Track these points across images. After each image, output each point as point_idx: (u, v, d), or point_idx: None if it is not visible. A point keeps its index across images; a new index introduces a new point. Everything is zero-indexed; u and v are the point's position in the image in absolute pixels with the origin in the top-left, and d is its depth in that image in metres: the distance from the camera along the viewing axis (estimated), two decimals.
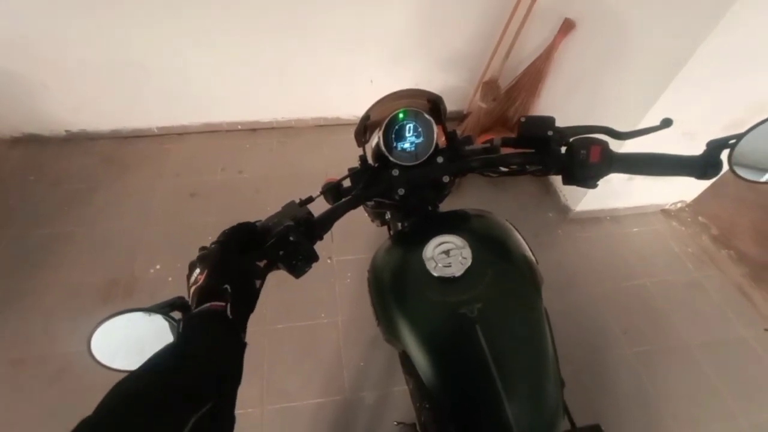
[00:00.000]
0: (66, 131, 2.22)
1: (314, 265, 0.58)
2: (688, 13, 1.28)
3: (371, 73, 2.20)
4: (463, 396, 0.58)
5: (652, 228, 2.01)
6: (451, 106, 0.74)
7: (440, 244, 0.63)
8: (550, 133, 0.64)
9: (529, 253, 0.68)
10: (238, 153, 2.27)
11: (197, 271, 0.49)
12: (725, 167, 0.59)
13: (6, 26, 1.76)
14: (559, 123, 0.66)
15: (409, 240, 0.73)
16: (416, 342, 0.60)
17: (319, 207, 0.66)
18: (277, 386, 1.41)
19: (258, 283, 0.51)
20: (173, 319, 0.48)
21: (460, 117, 2.35)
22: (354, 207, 0.66)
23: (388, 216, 0.97)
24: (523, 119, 0.66)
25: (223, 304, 0.44)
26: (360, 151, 0.76)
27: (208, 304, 0.44)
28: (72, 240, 1.80)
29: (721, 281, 1.80)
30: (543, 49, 1.92)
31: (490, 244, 0.67)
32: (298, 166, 2.21)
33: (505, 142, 0.71)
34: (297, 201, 0.64)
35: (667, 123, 0.64)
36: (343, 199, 0.66)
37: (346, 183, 0.73)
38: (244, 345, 0.45)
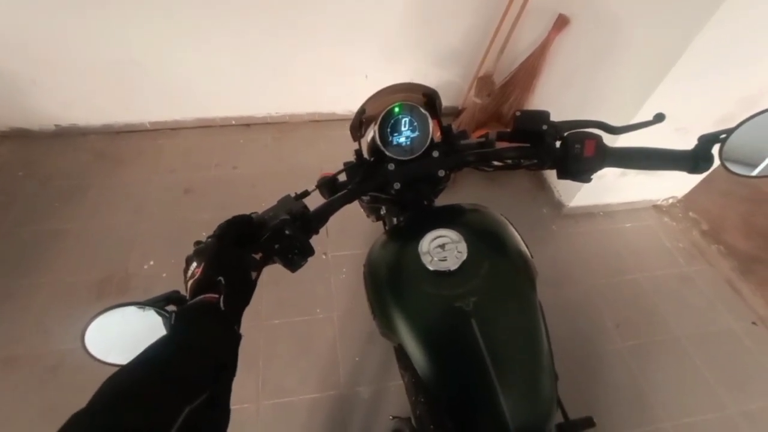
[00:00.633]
0: (56, 126, 2.19)
1: (309, 260, 0.58)
2: (680, 8, 1.29)
3: (366, 68, 2.19)
4: (459, 389, 0.58)
5: (644, 223, 2.03)
6: (445, 101, 0.75)
7: (436, 239, 0.63)
8: (544, 127, 0.65)
9: (523, 247, 0.68)
10: (232, 148, 2.25)
11: (194, 264, 0.49)
12: (717, 162, 0.60)
13: None
14: (554, 118, 0.67)
15: (404, 234, 0.74)
16: (412, 336, 0.60)
17: (315, 202, 0.66)
18: (272, 381, 1.41)
19: (254, 275, 0.51)
20: (168, 313, 0.48)
21: (455, 113, 2.35)
22: (349, 201, 0.66)
23: (383, 211, 0.97)
24: (518, 113, 0.66)
25: (216, 296, 0.44)
26: (355, 146, 0.76)
27: (201, 297, 0.44)
28: (64, 236, 1.78)
29: (711, 275, 1.83)
30: (537, 44, 1.92)
31: (486, 238, 0.68)
32: (293, 161, 2.20)
33: (500, 137, 0.71)
34: (292, 195, 0.64)
35: (659, 118, 0.64)
36: (339, 194, 0.66)
37: (342, 177, 0.73)
38: (238, 337, 0.45)
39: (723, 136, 0.55)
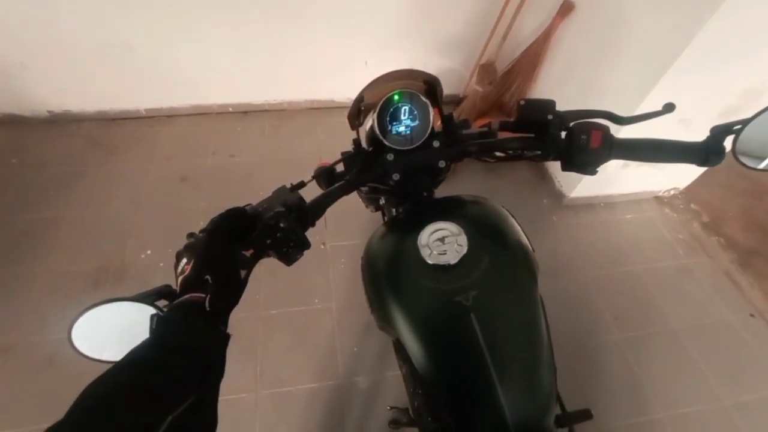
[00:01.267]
0: (49, 112, 2.14)
1: (308, 250, 0.56)
2: None
3: (366, 55, 2.14)
4: (457, 385, 0.57)
5: (645, 215, 2.02)
6: (446, 89, 0.72)
7: (435, 231, 0.62)
8: (550, 117, 0.62)
9: (525, 241, 0.67)
10: (229, 136, 2.21)
11: (184, 260, 0.47)
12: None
13: None
14: (557, 107, 0.64)
15: (403, 226, 0.72)
16: (410, 330, 0.59)
17: (312, 192, 0.64)
18: (271, 371, 1.41)
19: (244, 273, 0.50)
20: (159, 308, 0.46)
21: (456, 101, 2.31)
22: (347, 193, 0.65)
23: (382, 201, 0.95)
24: (522, 102, 0.64)
25: (203, 295, 0.43)
26: (354, 135, 0.74)
27: (187, 296, 0.43)
28: (59, 225, 1.75)
29: (710, 267, 1.83)
30: (541, 31, 1.88)
31: (486, 231, 0.66)
32: (291, 149, 2.17)
33: (503, 126, 0.68)
34: (288, 186, 0.62)
35: (669, 108, 0.62)
36: (336, 185, 0.64)
37: (340, 167, 0.71)
38: (226, 337, 0.44)
39: (737, 127, 0.53)
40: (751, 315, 1.67)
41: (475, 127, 0.72)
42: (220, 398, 0.40)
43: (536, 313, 0.60)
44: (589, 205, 2.01)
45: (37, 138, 2.10)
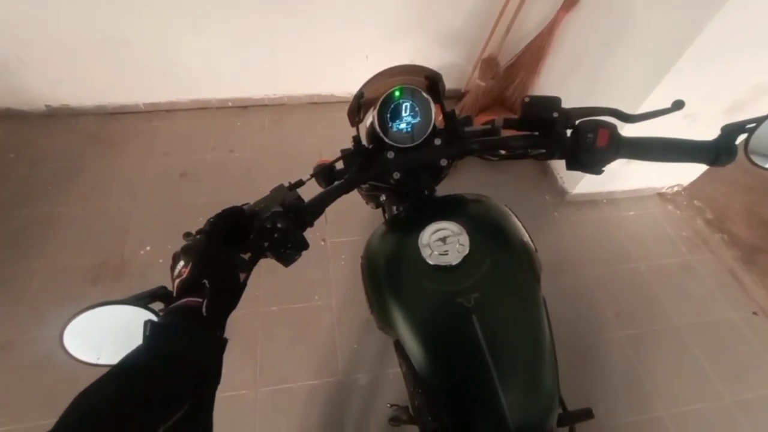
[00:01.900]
0: (46, 106, 2.12)
1: (306, 250, 0.55)
2: None
3: (366, 49, 2.11)
4: (458, 387, 0.56)
5: (648, 211, 2.00)
6: (448, 84, 0.70)
7: (437, 231, 0.60)
8: (555, 114, 0.61)
9: (528, 240, 0.66)
10: (229, 131, 2.19)
11: (181, 263, 0.46)
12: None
13: None
14: (562, 103, 0.62)
15: (404, 226, 0.71)
16: (411, 332, 0.58)
17: (311, 190, 0.63)
18: (270, 368, 1.41)
19: (242, 276, 0.48)
20: (154, 311, 0.45)
21: (458, 96, 2.29)
22: (347, 191, 0.63)
23: (383, 198, 0.94)
24: (527, 99, 0.62)
25: (200, 300, 0.42)
26: (354, 131, 0.72)
27: (183, 300, 0.41)
28: (58, 220, 1.74)
29: (713, 265, 1.81)
30: (545, 25, 1.84)
31: (489, 230, 0.65)
32: (291, 144, 2.15)
33: (507, 124, 0.67)
34: (286, 184, 0.60)
35: (678, 105, 0.60)
36: (336, 183, 0.63)
37: (339, 165, 0.70)
38: (222, 342, 0.42)
39: (750, 126, 0.51)
40: (754, 313, 1.66)
41: (478, 123, 0.70)
42: (220, 396, 0.39)
43: (539, 316, 0.59)
44: (591, 201, 1.99)
45: (35, 133, 2.08)
